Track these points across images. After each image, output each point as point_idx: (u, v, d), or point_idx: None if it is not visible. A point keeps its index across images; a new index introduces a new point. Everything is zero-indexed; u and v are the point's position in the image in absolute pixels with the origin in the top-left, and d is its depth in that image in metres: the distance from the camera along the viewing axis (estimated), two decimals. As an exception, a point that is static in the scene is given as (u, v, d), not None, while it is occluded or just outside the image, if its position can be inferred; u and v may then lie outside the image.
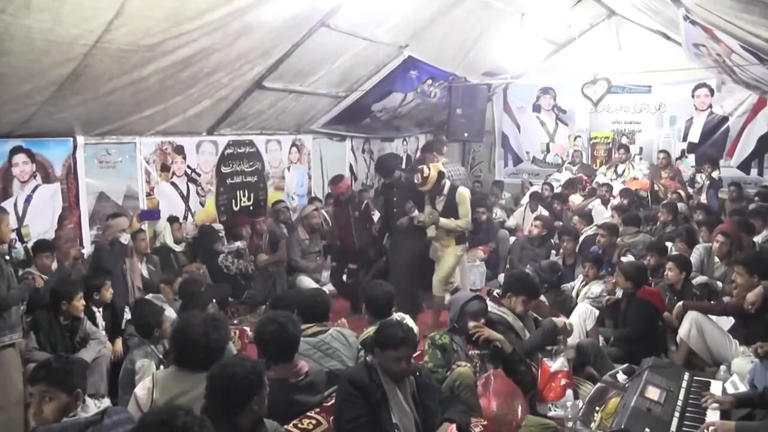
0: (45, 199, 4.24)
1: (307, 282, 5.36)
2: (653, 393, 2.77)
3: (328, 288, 5.49)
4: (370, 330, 3.04)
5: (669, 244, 5.07)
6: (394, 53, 5.66)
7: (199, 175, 5.52)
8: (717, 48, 5.01)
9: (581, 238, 5.62)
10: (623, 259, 4.88)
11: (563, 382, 3.16)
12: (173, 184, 5.31)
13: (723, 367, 3.30)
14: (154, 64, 3.65)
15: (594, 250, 5.16)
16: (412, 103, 6.92)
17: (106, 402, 2.16)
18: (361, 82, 5.89)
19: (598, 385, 3.12)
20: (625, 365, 3.23)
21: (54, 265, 4.00)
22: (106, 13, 2.96)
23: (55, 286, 3.53)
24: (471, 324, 3.14)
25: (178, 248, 5.14)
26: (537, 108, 8.58)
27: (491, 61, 6.88)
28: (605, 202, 6.78)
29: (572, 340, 3.71)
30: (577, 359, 3.48)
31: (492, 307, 3.39)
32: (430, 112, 7.64)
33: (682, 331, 3.65)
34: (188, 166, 5.41)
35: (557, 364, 3.22)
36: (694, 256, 4.66)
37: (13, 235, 3.91)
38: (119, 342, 3.73)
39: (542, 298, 4.46)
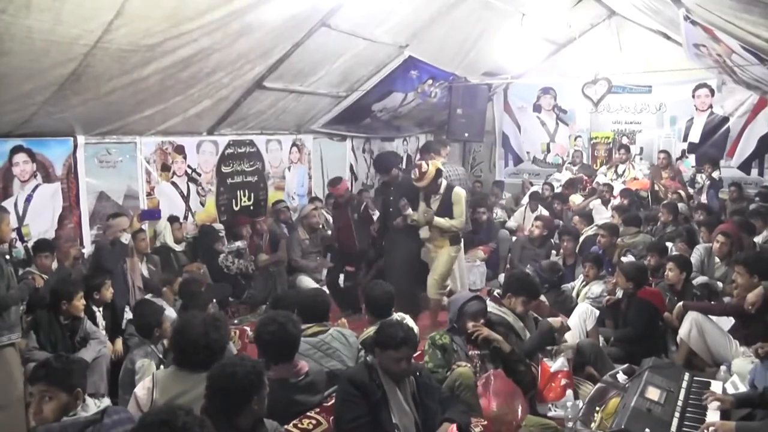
0: (45, 199, 4.24)
1: (307, 282, 5.36)
2: (653, 393, 2.77)
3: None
4: (371, 330, 3.04)
5: (669, 245, 5.07)
6: (395, 53, 5.66)
7: (199, 175, 5.52)
8: (717, 48, 5.01)
9: (581, 239, 5.62)
10: (623, 259, 4.88)
11: (563, 382, 3.16)
12: (173, 183, 5.31)
13: (723, 368, 3.30)
14: (154, 64, 3.66)
15: (594, 251, 5.16)
16: (413, 103, 6.91)
17: (106, 401, 2.16)
18: (361, 82, 5.89)
19: (599, 385, 3.12)
20: (626, 365, 3.23)
21: (54, 265, 4.00)
22: (106, 13, 2.96)
23: (55, 286, 3.53)
24: (470, 324, 3.15)
25: (179, 248, 5.14)
26: (537, 108, 8.58)
27: (492, 61, 6.88)
28: (605, 203, 6.78)
29: (572, 340, 3.71)
30: (577, 359, 3.47)
31: (492, 307, 3.39)
32: (430, 112, 7.64)
33: (683, 332, 3.65)
34: (189, 166, 5.41)
35: (557, 364, 3.21)
36: (695, 257, 4.66)
37: (14, 235, 3.91)
38: (119, 342, 3.73)
39: (543, 298, 4.47)
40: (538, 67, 7.92)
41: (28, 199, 4.14)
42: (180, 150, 5.30)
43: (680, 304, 3.82)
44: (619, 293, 4.11)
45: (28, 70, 3.17)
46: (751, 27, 3.49)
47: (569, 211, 6.88)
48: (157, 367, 2.98)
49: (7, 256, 3.35)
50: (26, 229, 4.12)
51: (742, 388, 2.96)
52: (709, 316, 3.70)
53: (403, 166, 7.45)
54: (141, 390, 2.36)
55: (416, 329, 3.10)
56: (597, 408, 2.93)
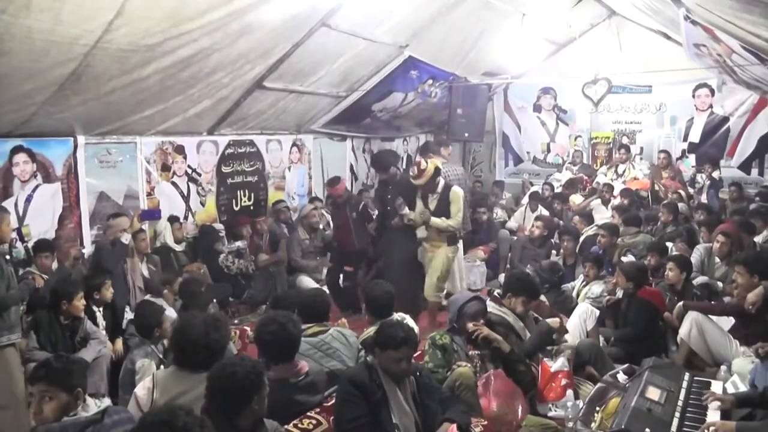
0: (45, 199, 4.24)
1: (307, 282, 5.36)
2: (654, 393, 2.77)
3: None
4: (371, 330, 3.04)
5: (669, 245, 5.07)
6: (395, 53, 5.66)
7: (199, 175, 5.52)
8: (717, 48, 5.01)
9: (582, 238, 5.62)
10: (623, 259, 4.88)
11: (563, 382, 3.16)
12: (174, 183, 5.31)
13: (723, 368, 3.30)
14: (154, 64, 3.65)
15: (594, 250, 5.16)
16: (413, 103, 6.91)
17: (107, 401, 2.16)
18: (361, 82, 5.89)
19: (599, 385, 3.12)
20: (626, 365, 3.23)
21: (54, 265, 4.00)
22: (106, 13, 2.96)
23: (55, 286, 3.53)
24: (470, 324, 3.15)
25: (179, 248, 5.14)
26: (537, 108, 8.58)
27: (492, 61, 6.88)
28: (606, 202, 6.78)
29: (572, 341, 3.71)
30: (578, 359, 3.47)
31: (492, 307, 3.39)
32: (430, 112, 7.63)
33: (683, 332, 3.65)
34: (189, 166, 5.41)
35: (557, 364, 3.22)
36: (695, 257, 4.66)
37: (14, 235, 3.91)
38: (119, 341, 3.73)
39: (543, 298, 4.46)
40: (538, 67, 7.92)
41: (29, 200, 4.14)
42: (180, 150, 5.30)
43: (680, 303, 3.82)
44: (619, 293, 4.11)
45: (28, 70, 3.17)
46: (752, 27, 3.49)
47: (569, 211, 6.88)
48: (158, 367, 2.99)
49: (8, 257, 3.35)
50: (26, 229, 4.12)
51: (743, 388, 2.97)
52: (710, 316, 3.70)
53: (404, 167, 7.46)
54: (141, 390, 2.36)
55: (416, 329, 3.10)
56: (597, 408, 2.93)
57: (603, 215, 6.45)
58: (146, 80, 3.79)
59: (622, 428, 2.54)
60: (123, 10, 2.96)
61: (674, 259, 4.21)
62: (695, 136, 7.63)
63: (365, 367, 2.53)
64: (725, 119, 7.42)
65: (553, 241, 5.92)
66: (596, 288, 4.45)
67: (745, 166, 7.40)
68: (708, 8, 3.68)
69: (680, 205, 6.26)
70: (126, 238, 4.21)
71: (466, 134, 7.48)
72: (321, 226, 5.88)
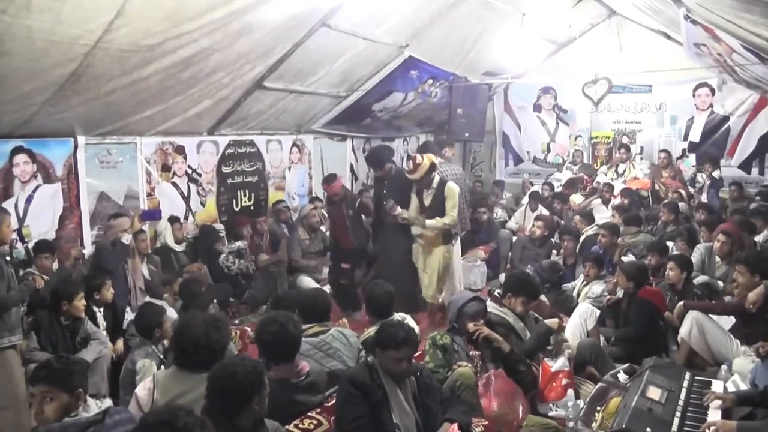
0: (46, 200, 4.24)
1: (307, 282, 5.36)
2: (654, 393, 2.77)
3: (329, 288, 5.48)
4: (371, 330, 3.04)
5: (670, 244, 5.06)
6: (395, 53, 5.66)
7: (199, 175, 5.52)
8: (718, 47, 5.00)
9: (582, 238, 5.62)
10: (624, 258, 4.88)
11: (564, 381, 3.16)
12: (174, 184, 5.31)
13: (724, 367, 3.30)
14: (154, 65, 3.65)
15: (595, 250, 5.16)
16: (413, 103, 6.91)
17: (108, 402, 2.16)
18: (361, 82, 5.89)
19: (599, 384, 3.12)
20: (626, 365, 3.23)
21: (55, 266, 4.00)
22: (106, 13, 2.96)
23: (55, 287, 3.52)
24: (471, 324, 3.14)
25: (179, 248, 5.14)
26: (538, 108, 8.58)
27: (492, 60, 6.88)
28: (606, 202, 6.77)
29: (573, 340, 3.71)
30: (578, 359, 3.47)
31: (493, 307, 3.39)
32: (430, 111, 7.63)
33: (683, 331, 3.65)
34: (189, 166, 5.41)
35: (558, 363, 3.21)
36: (695, 256, 4.65)
37: (14, 236, 3.91)
38: (120, 341, 3.73)
39: (543, 298, 4.46)
40: (539, 67, 7.92)
41: (29, 200, 4.14)
42: (180, 150, 5.30)
43: (681, 303, 3.82)
44: (620, 293, 4.11)
45: (28, 71, 3.17)
46: (752, 26, 3.49)
47: (569, 211, 6.87)
48: (158, 368, 2.98)
49: (8, 258, 3.35)
50: (27, 230, 4.11)
51: (743, 387, 2.97)
52: (710, 315, 3.69)
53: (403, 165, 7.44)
54: (142, 390, 2.37)
55: (417, 329, 3.10)
56: (598, 408, 2.93)
57: (603, 215, 6.45)
58: (146, 80, 3.79)
59: (623, 428, 2.54)
60: (123, 10, 2.96)
61: (675, 259, 4.21)
62: (695, 136, 7.62)
63: (366, 367, 2.52)
64: (725, 119, 7.41)
65: (553, 240, 5.91)
66: (597, 288, 4.45)
67: (745, 166, 7.40)
68: (708, 8, 3.68)
69: (681, 204, 6.26)
70: (127, 239, 4.21)
71: (467, 134, 7.48)
72: (323, 227, 5.88)
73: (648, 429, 2.51)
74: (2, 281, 3.06)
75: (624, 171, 7.43)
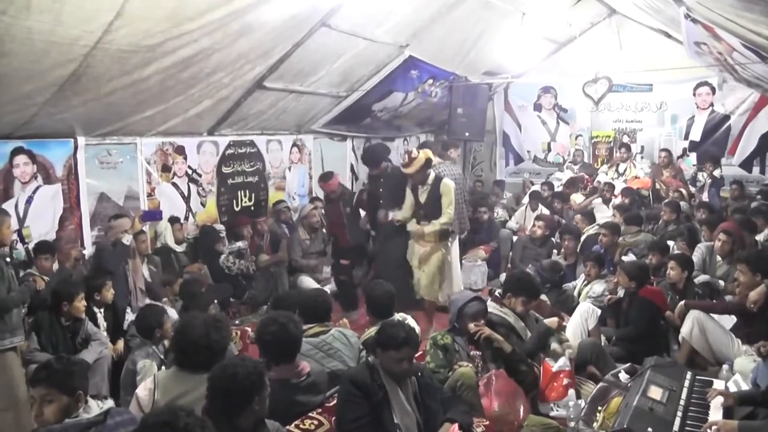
0: (46, 200, 4.24)
1: (308, 282, 5.36)
2: (656, 392, 2.76)
3: (330, 288, 5.47)
4: (372, 330, 3.04)
5: (671, 243, 5.06)
6: (395, 53, 5.65)
7: (200, 176, 5.52)
8: (718, 46, 5.00)
9: (583, 238, 5.61)
10: (624, 258, 4.87)
11: (565, 381, 3.15)
12: (174, 184, 5.30)
13: (725, 367, 3.30)
14: (154, 65, 3.65)
15: (596, 250, 5.15)
16: (413, 102, 6.91)
17: (110, 403, 2.16)
18: (361, 81, 5.89)
19: (601, 384, 3.11)
20: (628, 365, 3.23)
21: (55, 267, 3.99)
22: (106, 14, 2.95)
23: (56, 287, 3.52)
24: (471, 324, 3.14)
25: (179, 249, 5.14)
26: (538, 107, 8.57)
27: (492, 60, 6.87)
28: (606, 201, 6.77)
29: (574, 340, 3.71)
30: (579, 359, 3.47)
31: (493, 307, 3.38)
32: (431, 111, 7.63)
33: (685, 330, 3.65)
34: (189, 167, 5.41)
35: (559, 363, 3.21)
36: (696, 255, 4.65)
37: (14, 236, 3.91)
38: (121, 342, 3.73)
39: (544, 297, 4.46)
40: (539, 66, 7.91)
41: (29, 201, 4.14)
42: (180, 150, 5.30)
43: (682, 302, 3.82)
44: (621, 292, 4.11)
45: (28, 71, 3.16)
46: (752, 25, 3.48)
47: (570, 210, 6.87)
48: (159, 368, 2.98)
49: (8, 259, 3.34)
50: (27, 231, 4.11)
51: (745, 387, 2.96)
52: (711, 314, 3.69)
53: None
54: (142, 391, 2.37)
55: (418, 329, 3.10)
56: (599, 407, 2.92)
57: (604, 214, 6.44)
58: (146, 81, 3.79)
59: (624, 428, 2.54)
60: (123, 11, 2.96)
61: (676, 258, 4.20)
62: (696, 135, 7.61)
63: (366, 367, 2.52)
64: (726, 117, 7.41)
65: (553, 240, 5.91)
66: (597, 287, 4.44)
67: (746, 165, 7.39)
68: (708, 6, 3.67)
69: (681, 203, 6.26)
70: (127, 239, 4.21)
71: (467, 134, 7.46)
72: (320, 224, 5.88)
73: (649, 429, 2.51)
74: (3, 282, 3.06)
75: (625, 170, 7.42)
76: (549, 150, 8.65)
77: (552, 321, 3.48)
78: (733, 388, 2.96)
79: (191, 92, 4.33)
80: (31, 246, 4.06)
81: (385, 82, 6.02)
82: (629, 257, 4.89)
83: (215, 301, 4.54)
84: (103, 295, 3.78)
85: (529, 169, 8.76)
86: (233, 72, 4.35)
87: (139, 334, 3.29)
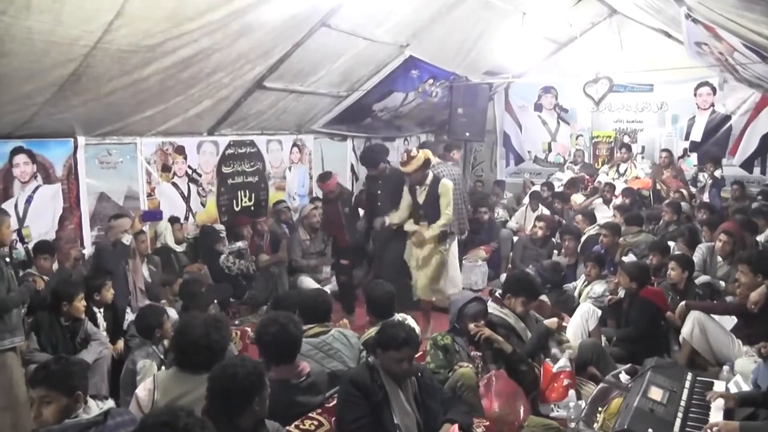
0: (46, 200, 4.23)
1: (308, 282, 5.35)
2: (656, 393, 2.75)
3: (330, 288, 5.47)
4: (372, 331, 3.04)
5: (671, 244, 5.05)
6: (395, 53, 5.65)
7: (200, 176, 5.51)
8: (719, 46, 4.99)
9: (583, 238, 5.61)
10: (625, 258, 4.86)
11: (566, 382, 3.15)
12: (174, 184, 5.30)
13: (726, 367, 3.29)
14: (154, 65, 3.65)
15: (596, 250, 5.14)
16: (414, 102, 6.90)
17: (110, 403, 2.15)
18: (362, 81, 5.88)
19: (601, 385, 3.10)
20: (628, 365, 3.22)
21: (55, 266, 3.99)
22: (106, 13, 2.95)
23: (55, 287, 3.52)
24: (472, 325, 3.14)
25: (179, 249, 5.14)
26: (538, 107, 8.56)
27: (492, 60, 6.87)
28: (607, 202, 6.76)
29: (574, 341, 3.70)
30: (580, 359, 3.46)
31: (494, 308, 3.38)
32: (431, 111, 7.62)
33: (685, 331, 3.64)
34: (189, 167, 5.41)
35: (560, 364, 3.21)
36: (697, 256, 4.64)
37: (14, 236, 3.90)
38: (121, 341, 3.72)
39: (545, 298, 4.45)
40: (539, 66, 7.90)
41: (29, 201, 4.13)
42: (180, 150, 5.29)
43: (683, 303, 3.81)
44: (621, 293, 4.10)
45: (28, 71, 3.16)
46: (753, 25, 3.48)
47: (570, 211, 6.86)
48: (159, 368, 2.98)
49: (7, 259, 3.34)
50: (27, 231, 4.11)
51: (745, 388, 2.96)
52: (712, 315, 3.68)
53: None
54: (142, 391, 2.36)
55: (418, 330, 3.09)
56: (599, 408, 2.92)
57: (605, 214, 6.43)
58: (146, 81, 3.79)
59: (624, 429, 2.53)
60: (123, 11, 2.96)
61: (676, 259, 4.19)
62: (697, 135, 7.60)
63: (367, 367, 2.52)
64: (727, 118, 7.39)
65: (554, 240, 5.90)
66: (598, 288, 4.44)
67: (747, 165, 7.37)
68: (709, 6, 3.67)
69: (682, 204, 6.25)
70: (127, 239, 4.21)
71: (467, 134, 7.46)
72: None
73: (650, 430, 2.50)
74: (2, 283, 3.05)
75: (625, 170, 7.41)
76: (549, 150, 8.64)
77: (552, 322, 3.47)
78: (733, 389, 2.95)
79: (191, 92, 4.33)
80: (30, 246, 4.06)
81: (386, 82, 6.02)
82: (630, 258, 4.88)
83: (215, 301, 4.53)
84: (102, 295, 3.77)
85: (530, 169, 8.75)
86: (233, 72, 4.35)
87: (139, 334, 3.29)
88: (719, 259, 4.59)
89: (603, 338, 3.98)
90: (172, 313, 3.84)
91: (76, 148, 4.40)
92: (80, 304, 3.50)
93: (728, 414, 2.69)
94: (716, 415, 2.66)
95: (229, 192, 5.82)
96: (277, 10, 3.77)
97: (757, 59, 4.65)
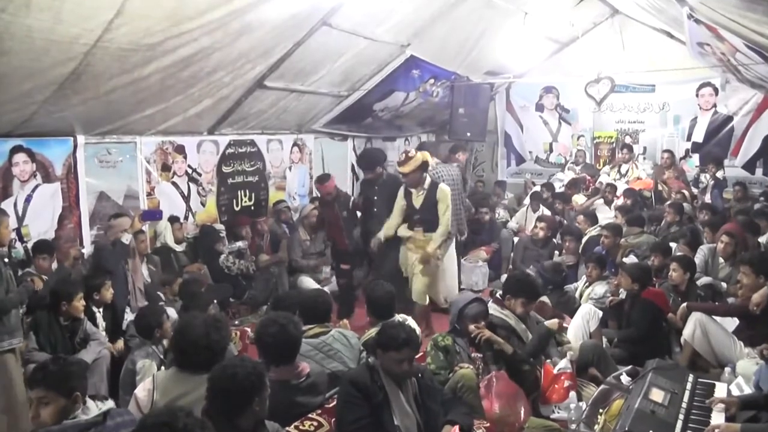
0: (45, 199, 4.22)
1: (308, 282, 5.34)
2: (657, 395, 2.74)
3: (330, 288, 5.45)
4: (372, 331, 3.02)
5: (673, 245, 5.04)
6: (396, 52, 5.63)
7: (200, 175, 5.50)
8: (721, 47, 4.98)
9: (585, 239, 5.59)
10: (625, 259, 4.85)
11: (566, 383, 3.14)
12: (174, 183, 5.29)
13: (728, 369, 3.28)
14: (154, 64, 3.64)
15: (597, 251, 5.13)
16: (414, 102, 6.89)
17: (110, 404, 2.15)
18: (362, 81, 5.87)
19: (602, 386, 3.10)
20: (629, 367, 3.22)
21: (54, 266, 3.98)
22: (106, 12, 2.94)
23: (55, 287, 3.51)
24: (472, 326, 3.13)
25: (179, 248, 5.13)
26: (540, 107, 8.54)
27: (494, 60, 6.85)
28: (608, 203, 6.74)
29: (575, 342, 3.69)
30: (581, 361, 3.45)
31: (494, 309, 3.36)
32: (432, 111, 7.61)
33: (687, 333, 3.63)
34: (189, 166, 5.40)
35: (560, 365, 3.20)
36: (699, 257, 4.63)
37: (13, 235, 3.89)
38: (121, 341, 3.71)
39: (545, 299, 4.44)
40: (541, 66, 7.88)
41: (28, 200, 4.12)
42: (180, 150, 5.28)
43: (684, 304, 3.80)
44: (622, 294, 4.09)
45: (27, 70, 3.15)
46: (756, 25, 3.46)
47: (571, 211, 6.85)
48: (158, 368, 2.97)
49: (6, 259, 3.32)
50: (26, 230, 4.10)
51: (747, 390, 2.94)
52: (713, 316, 3.67)
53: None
54: (141, 391, 2.36)
55: (418, 330, 3.08)
56: (600, 410, 2.91)
57: (606, 215, 6.42)
58: (146, 79, 3.77)
59: (625, 430, 2.52)
60: (123, 9, 2.94)
61: (678, 260, 4.18)
62: (699, 136, 7.58)
63: (367, 368, 2.51)
64: (729, 118, 7.37)
65: (555, 241, 5.89)
66: (599, 289, 4.43)
67: (749, 166, 7.35)
68: (712, 7, 3.65)
69: (684, 205, 6.23)
70: (127, 239, 4.20)
71: (468, 134, 7.44)
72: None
73: (651, 431, 2.49)
74: (1, 284, 3.04)
75: (627, 171, 7.39)
76: (551, 150, 8.62)
77: (553, 323, 3.46)
78: (735, 391, 2.94)
79: (191, 91, 4.32)
80: (30, 245, 4.05)
81: (387, 81, 6.01)
82: (631, 259, 4.87)
83: (215, 301, 4.52)
84: (102, 294, 3.76)
85: (531, 169, 8.74)
86: (234, 71, 4.34)
87: (139, 334, 3.28)
88: (721, 260, 4.58)
89: (604, 339, 3.97)
90: (172, 313, 3.83)
91: (75, 146, 4.39)
92: (79, 303, 3.49)
93: (730, 416, 2.68)
94: (718, 417, 2.64)
95: (229, 191, 5.80)
96: (278, 9, 3.76)
97: (760, 60, 4.64)
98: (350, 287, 5.40)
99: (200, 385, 2.11)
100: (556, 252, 5.69)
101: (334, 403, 2.54)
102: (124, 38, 3.20)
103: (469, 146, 8.86)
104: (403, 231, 4.62)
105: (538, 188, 7.59)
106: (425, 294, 4.62)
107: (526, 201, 7.44)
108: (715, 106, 7.46)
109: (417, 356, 2.65)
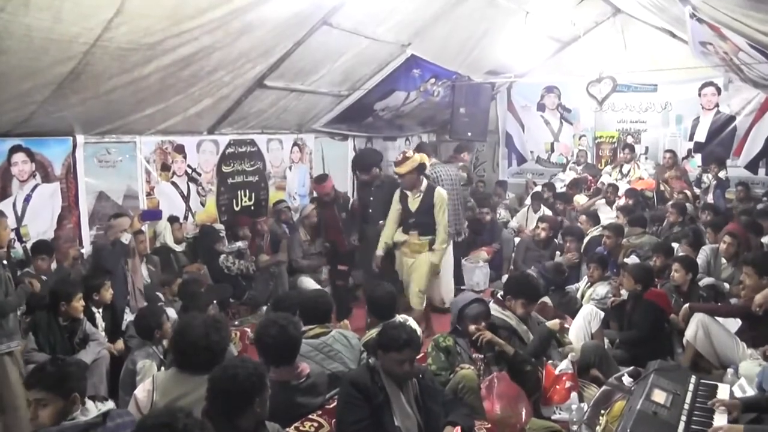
0: (44, 199, 4.21)
1: (308, 283, 5.33)
2: (659, 396, 2.73)
3: (329, 289, 5.44)
4: (373, 332, 3.01)
5: (675, 245, 5.02)
6: (397, 52, 5.62)
7: (199, 175, 5.49)
8: (724, 46, 4.95)
9: (586, 239, 5.58)
10: (627, 260, 4.83)
11: (568, 384, 3.13)
12: (173, 183, 5.28)
13: (730, 370, 3.26)
14: (154, 63, 3.63)
15: (599, 251, 5.11)
16: (415, 102, 6.88)
17: (110, 404, 2.14)
18: (363, 80, 5.86)
19: (604, 388, 3.09)
20: (631, 368, 3.20)
21: (53, 266, 3.97)
22: (106, 11, 2.93)
23: (54, 287, 3.50)
24: (473, 327, 3.11)
25: (179, 248, 5.11)
26: (541, 107, 8.52)
27: (495, 59, 6.84)
28: (610, 203, 6.72)
29: (577, 343, 3.68)
30: (582, 361, 3.43)
31: (495, 309, 3.35)
32: (433, 111, 7.60)
33: (689, 333, 3.61)
34: (189, 166, 5.38)
35: (562, 366, 3.18)
36: (701, 257, 4.61)
37: (12, 235, 3.88)
38: (121, 341, 3.70)
39: (547, 300, 4.43)
40: (542, 66, 7.86)
41: (27, 199, 4.11)
42: (180, 149, 5.27)
43: (686, 305, 3.78)
44: (624, 294, 4.07)
45: (27, 69, 3.14)
46: (759, 24, 3.45)
47: (573, 212, 6.83)
48: (159, 369, 2.96)
49: (5, 261, 3.31)
50: (25, 230, 4.09)
51: (750, 391, 2.93)
52: (716, 317, 3.65)
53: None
54: (141, 392, 2.35)
55: (419, 331, 3.07)
56: (602, 411, 2.89)
57: (608, 216, 6.40)
58: (146, 79, 3.76)
59: (627, 432, 2.51)
60: (123, 8, 2.93)
61: (680, 260, 4.16)
62: (701, 136, 7.55)
63: (367, 369, 2.50)
64: (732, 118, 7.35)
65: (556, 241, 5.87)
66: (601, 289, 4.41)
67: (752, 166, 7.32)
68: (714, 6, 3.64)
69: (686, 205, 6.21)
70: (126, 239, 4.19)
71: (469, 134, 7.43)
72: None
73: (653, 433, 2.48)
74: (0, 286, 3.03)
75: (628, 171, 7.37)
76: (552, 150, 8.61)
77: (554, 323, 3.45)
78: (738, 392, 2.92)
79: (191, 91, 4.31)
80: (29, 245, 4.04)
81: (387, 81, 5.99)
82: (633, 259, 4.85)
83: (215, 301, 4.51)
84: (101, 294, 3.76)
85: (532, 169, 8.72)
86: (234, 70, 4.33)
87: (139, 335, 3.28)
88: (723, 260, 4.56)
89: (606, 340, 3.95)
90: (172, 314, 3.82)
91: (75, 146, 4.37)
92: (79, 304, 3.48)
93: (732, 419, 2.66)
94: (720, 419, 2.62)
95: (228, 191, 5.79)
96: (278, 9, 3.75)
97: (763, 59, 4.62)
98: (346, 288, 5.38)
99: (200, 386, 2.10)
100: (558, 252, 5.67)
101: (335, 403, 2.53)
102: (124, 37, 3.19)
103: (471, 146, 8.89)
104: (399, 235, 4.59)
105: (539, 188, 7.57)
106: (422, 298, 4.59)
107: (528, 201, 7.42)
108: (717, 105, 7.43)
109: (418, 357, 2.63)
